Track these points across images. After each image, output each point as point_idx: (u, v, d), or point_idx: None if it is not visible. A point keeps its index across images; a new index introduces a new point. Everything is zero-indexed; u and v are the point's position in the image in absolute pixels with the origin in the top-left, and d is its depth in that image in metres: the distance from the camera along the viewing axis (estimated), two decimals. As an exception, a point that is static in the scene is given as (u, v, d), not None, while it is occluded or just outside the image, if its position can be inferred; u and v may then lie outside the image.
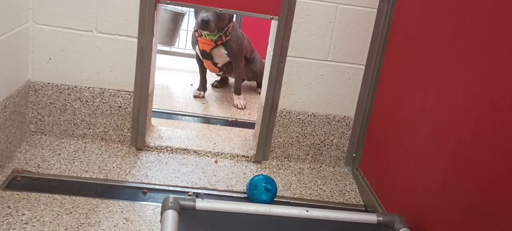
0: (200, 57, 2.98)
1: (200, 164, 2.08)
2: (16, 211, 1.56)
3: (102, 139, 2.10)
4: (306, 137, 2.19)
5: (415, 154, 1.58)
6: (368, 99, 2.09)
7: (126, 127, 2.09)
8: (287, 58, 2.05)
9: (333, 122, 2.18)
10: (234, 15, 2.99)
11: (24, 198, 1.63)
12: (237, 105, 2.94)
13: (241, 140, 2.33)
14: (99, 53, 1.98)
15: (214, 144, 2.23)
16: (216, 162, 2.12)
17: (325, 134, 2.20)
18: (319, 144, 2.21)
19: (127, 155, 2.04)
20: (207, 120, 2.68)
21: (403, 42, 1.81)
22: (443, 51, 1.48)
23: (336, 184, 2.10)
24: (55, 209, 1.61)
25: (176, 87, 3.13)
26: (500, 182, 1.13)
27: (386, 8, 1.97)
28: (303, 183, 2.06)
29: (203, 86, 3.07)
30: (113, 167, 1.93)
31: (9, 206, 1.58)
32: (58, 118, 2.05)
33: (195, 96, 2.99)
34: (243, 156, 2.18)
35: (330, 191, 2.04)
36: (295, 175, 2.12)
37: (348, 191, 2.06)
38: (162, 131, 2.27)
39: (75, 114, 2.05)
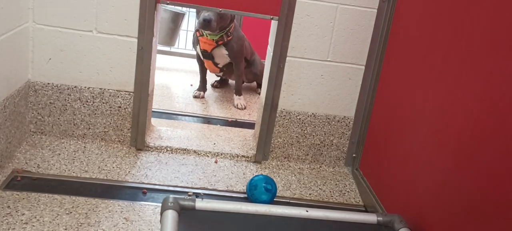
0: (201, 57, 2.98)
1: (200, 164, 2.08)
2: (16, 211, 1.56)
3: (102, 139, 2.10)
4: (306, 137, 2.19)
5: (415, 154, 1.58)
6: (368, 100, 2.09)
7: (126, 127, 2.09)
8: (287, 58, 2.05)
9: (333, 122, 2.18)
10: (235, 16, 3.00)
11: (24, 198, 1.63)
12: (237, 105, 2.94)
13: (241, 140, 2.33)
14: (99, 53, 1.98)
15: (214, 144, 2.23)
16: (216, 162, 2.12)
17: (325, 134, 2.20)
18: (319, 144, 2.21)
19: (127, 155, 2.04)
20: (207, 120, 2.68)
21: (403, 42, 1.81)
22: (443, 51, 1.48)
23: (336, 184, 2.10)
24: (55, 209, 1.61)
25: (176, 88, 3.13)
26: (500, 182, 1.13)
27: (386, 8, 1.98)
28: (303, 183, 2.06)
29: (203, 86, 3.08)
30: (113, 167, 1.93)
31: (9, 206, 1.58)
32: (58, 118, 2.05)
33: (195, 97, 2.99)
34: (243, 156, 2.18)
35: (330, 191, 2.04)
36: (295, 175, 2.12)
37: (348, 191, 2.06)
38: (162, 131, 2.27)
39: (75, 115, 2.05)
